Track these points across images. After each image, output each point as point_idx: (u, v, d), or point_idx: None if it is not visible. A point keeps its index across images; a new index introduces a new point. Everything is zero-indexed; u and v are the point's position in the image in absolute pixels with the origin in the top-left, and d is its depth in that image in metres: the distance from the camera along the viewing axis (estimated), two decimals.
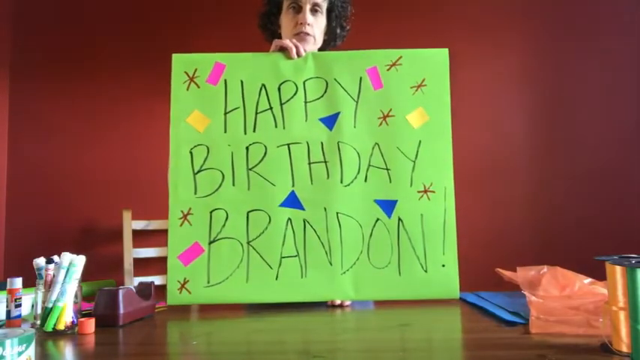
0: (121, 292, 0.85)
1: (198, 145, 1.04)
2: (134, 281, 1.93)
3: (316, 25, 1.21)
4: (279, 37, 1.25)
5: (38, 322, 0.81)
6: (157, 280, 1.89)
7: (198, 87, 1.05)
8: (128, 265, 1.95)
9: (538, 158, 2.18)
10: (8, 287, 0.85)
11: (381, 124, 1.06)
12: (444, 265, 1.01)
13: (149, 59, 2.23)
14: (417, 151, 1.05)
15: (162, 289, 1.00)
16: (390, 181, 1.04)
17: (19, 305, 0.86)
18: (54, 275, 0.82)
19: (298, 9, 1.20)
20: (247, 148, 1.04)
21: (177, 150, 1.04)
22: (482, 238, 2.05)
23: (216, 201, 1.02)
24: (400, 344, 0.71)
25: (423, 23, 2.17)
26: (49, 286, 0.82)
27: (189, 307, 1.06)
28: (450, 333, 0.78)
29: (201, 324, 0.94)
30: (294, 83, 1.07)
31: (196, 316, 1.02)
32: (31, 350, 0.56)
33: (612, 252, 0.71)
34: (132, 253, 1.96)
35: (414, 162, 1.05)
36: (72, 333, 0.80)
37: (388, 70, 1.08)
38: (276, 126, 1.05)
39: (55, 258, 0.84)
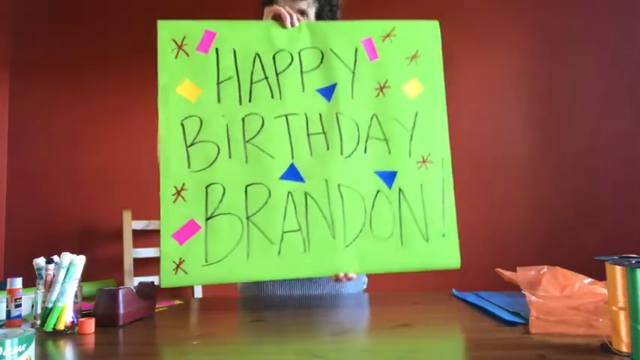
0: (121, 292, 0.85)
1: (190, 116, 0.98)
2: (134, 281, 1.93)
3: (308, 10, 1.17)
4: None
5: (38, 322, 0.81)
6: (157, 280, 1.88)
7: (188, 55, 1.00)
8: (128, 265, 1.95)
9: (538, 159, 2.18)
10: (8, 287, 0.85)
11: (378, 95, 1.05)
12: (444, 235, 1.02)
13: (149, 59, 2.22)
14: (414, 122, 1.06)
15: (162, 289, 1.00)
16: (390, 153, 1.04)
17: (19, 305, 0.86)
18: (54, 275, 0.82)
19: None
20: (243, 119, 0.99)
21: (167, 121, 0.97)
22: (482, 238, 2.05)
23: (212, 175, 0.97)
24: (400, 344, 0.70)
25: None
26: (49, 286, 0.82)
27: (189, 307, 1.06)
28: (450, 333, 0.78)
29: (201, 324, 0.94)
30: (289, 53, 1.04)
31: (196, 316, 1.02)
32: (31, 350, 0.56)
33: (612, 252, 0.71)
34: (132, 253, 1.97)
35: (412, 133, 1.05)
36: (72, 333, 0.80)
37: (383, 41, 1.07)
38: (272, 96, 1.01)
39: (55, 258, 0.84)
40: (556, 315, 0.74)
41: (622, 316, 0.60)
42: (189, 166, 0.96)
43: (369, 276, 1.27)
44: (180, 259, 0.93)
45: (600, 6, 2.23)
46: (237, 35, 1.03)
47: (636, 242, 2.03)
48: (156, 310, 0.98)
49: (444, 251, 1.02)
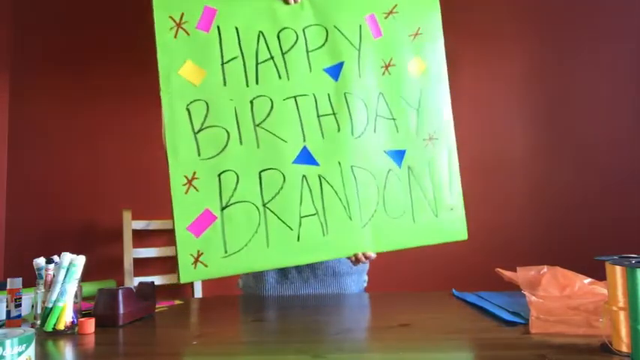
0: (121, 292, 0.85)
1: (196, 100, 0.93)
2: (134, 281, 1.93)
3: None
4: None
5: (38, 322, 0.81)
6: (157, 280, 1.89)
7: (188, 34, 0.94)
8: (128, 265, 1.95)
9: (538, 160, 2.18)
10: (8, 287, 0.85)
11: (384, 73, 1.06)
12: (452, 209, 1.07)
13: (150, 59, 2.23)
14: (419, 100, 1.08)
15: (162, 289, 1.00)
16: (397, 131, 1.06)
17: (19, 305, 0.86)
18: (54, 275, 0.82)
19: None
20: (252, 102, 0.96)
21: (172, 107, 0.91)
22: (482, 239, 2.05)
23: (224, 162, 0.92)
24: (400, 344, 0.70)
25: None
26: (49, 286, 0.82)
27: (189, 307, 1.06)
28: (450, 333, 0.78)
29: (201, 324, 0.94)
30: (294, 31, 1.01)
31: (196, 316, 1.02)
32: (31, 350, 0.56)
33: (612, 252, 0.71)
34: (132, 253, 1.96)
35: (417, 110, 1.07)
36: (72, 333, 0.80)
37: (386, 17, 1.08)
38: (279, 77, 0.98)
39: (55, 258, 0.84)
40: (556, 315, 0.74)
41: (622, 316, 0.60)
42: (199, 154, 0.91)
43: (369, 274, 1.27)
44: (199, 251, 0.89)
45: (601, 5, 2.23)
46: (239, 12, 0.98)
47: (636, 242, 2.03)
48: (156, 310, 0.98)
49: (451, 225, 1.07)
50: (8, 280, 0.86)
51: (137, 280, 1.91)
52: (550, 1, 2.24)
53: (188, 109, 0.92)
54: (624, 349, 0.60)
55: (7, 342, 0.53)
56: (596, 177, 2.15)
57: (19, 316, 0.86)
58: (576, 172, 2.16)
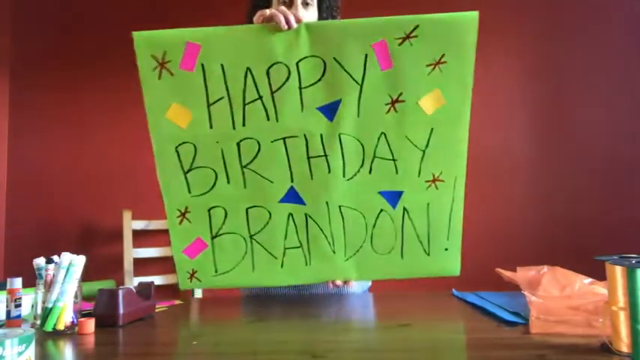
0: (121, 292, 0.85)
1: (184, 142, 0.94)
2: (134, 281, 1.93)
3: (308, 20, 1.10)
4: None
5: (38, 322, 0.81)
6: (157, 280, 1.89)
7: (172, 75, 0.91)
8: (128, 265, 1.95)
9: (538, 158, 2.18)
10: (8, 287, 0.85)
11: (389, 110, 0.92)
12: (446, 249, 0.99)
13: None
14: (429, 140, 0.93)
15: (162, 289, 1.00)
16: (397, 172, 0.95)
17: (19, 305, 0.86)
18: (54, 275, 0.82)
19: (289, 3, 1.12)
20: (238, 144, 0.94)
21: (162, 149, 0.95)
22: (482, 238, 2.05)
23: (213, 199, 0.97)
24: (400, 344, 0.70)
25: None
26: (49, 286, 0.82)
27: (189, 307, 1.06)
28: (450, 333, 0.77)
29: (201, 324, 0.94)
30: (286, 66, 0.90)
31: (196, 316, 1.02)
32: (31, 350, 0.56)
33: (612, 252, 0.71)
34: (132, 253, 1.96)
35: (424, 151, 0.94)
36: (72, 333, 0.79)
37: (400, 44, 0.89)
38: (268, 119, 0.93)
39: (55, 258, 0.84)
40: (556, 315, 0.74)
41: (622, 316, 0.60)
42: (189, 192, 0.97)
43: None
44: (193, 269, 0.99)
45: (604, 4, 2.23)
46: (224, 47, 0.90)
47: (636, 242, 2.03)
48: (156, 310, 0.98)
49: (444, 262, 1.00)
50: (8, 280, 0.86)
51: (137, 280, 1.91)
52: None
53: (177, 151, 0.95)
54: (624, 349, 0.60)
55: (7, 342, 0.53)
56: (597, 177, 2.15)
57: (19, 316, 0.86)
58: (577, 171, 2.16)
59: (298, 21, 0.91)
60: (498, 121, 2.20)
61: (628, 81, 2.18)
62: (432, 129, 0.93)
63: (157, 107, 0.94)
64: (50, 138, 2.26)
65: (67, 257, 0.83)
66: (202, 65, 0.91)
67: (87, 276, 0.89)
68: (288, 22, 0.89)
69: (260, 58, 0.91)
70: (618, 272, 0.61)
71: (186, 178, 0.97)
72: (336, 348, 0.69)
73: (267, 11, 0.91)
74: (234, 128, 0.94)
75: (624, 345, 0.60)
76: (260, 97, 0.93)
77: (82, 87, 2.27)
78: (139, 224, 2.03)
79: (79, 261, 0.84)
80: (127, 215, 2.00)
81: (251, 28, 0.92)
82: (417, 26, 0.89)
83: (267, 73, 0.92)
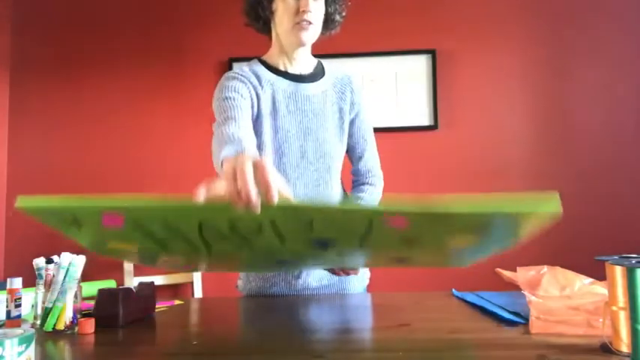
0: (121, 292, 0.85)
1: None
2: (134, 281, 1.93)
3: (317, 12, 1.09)
4: (270, 29, 1.16)
5: (38, 322, 0.81)
6: (157, 280, 1.89)
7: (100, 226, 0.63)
8: (128, 265, 1.95)
9: (538, 158, 2.18)
10: (8, 287, 0.85)
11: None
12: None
13: (150, 58, 2.23)
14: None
15: (162, 289, 1.00)
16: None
17: (19, 305, 0.86)
18: (54, 275, 0.82)
19: None
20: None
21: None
22: None
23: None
24: (400, 344, 0.70)
25: (425, 21, 2.17)
26: (49, 286, 0.82)
27: (189, 308, 1.06)
28: (450, 333, 0.77)
29: (201, 324, 0.94)
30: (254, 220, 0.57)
31: (196, 316, 1.02)
32: (31, 350, 0.56)
33: (612, 252, 0.71)
34: None
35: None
36: (72, 333, 0.80)
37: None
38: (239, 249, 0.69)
39: (55, 258, 0.84)
40: (556, 315, 0.74)
41: (622, 316, 0.60)
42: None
43: (370, 272, 1.27)
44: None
45: (603, 4, 2.23)
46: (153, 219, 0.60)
47: (636, 242, 2.03)
48: (156, 310, 0.98)
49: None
50: (8, 280, 0.86)
51: (137, 280, 1.92)
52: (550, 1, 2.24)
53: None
54: (624, 349, 0.60)
55: (7, 342, 0.53)
56: (597, 177, 2.15)
57: (19, 316, 0.86)
58: (577, 170, 2.16)
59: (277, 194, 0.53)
60: (498, 122, 2.20)
61: (628, 81, 2.18)
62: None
63: (93, 246, 0.71)
64: (50, 138, 2.26)
65: (67, 257, 0.83)
66: (133, 222, 0.61)
67: (87, 276, 0.89)
68: (248, 203, 0.52)
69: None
70: (618, 272, 0.61)
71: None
72: (335, 348, 0.69)
73: (220, 189, 0.55)
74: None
75: (624, 345, 0.60)
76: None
77: (82, 87, 2.27)
78: None
79: (79, 261, 0.84)
80: None
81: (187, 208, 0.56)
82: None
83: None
